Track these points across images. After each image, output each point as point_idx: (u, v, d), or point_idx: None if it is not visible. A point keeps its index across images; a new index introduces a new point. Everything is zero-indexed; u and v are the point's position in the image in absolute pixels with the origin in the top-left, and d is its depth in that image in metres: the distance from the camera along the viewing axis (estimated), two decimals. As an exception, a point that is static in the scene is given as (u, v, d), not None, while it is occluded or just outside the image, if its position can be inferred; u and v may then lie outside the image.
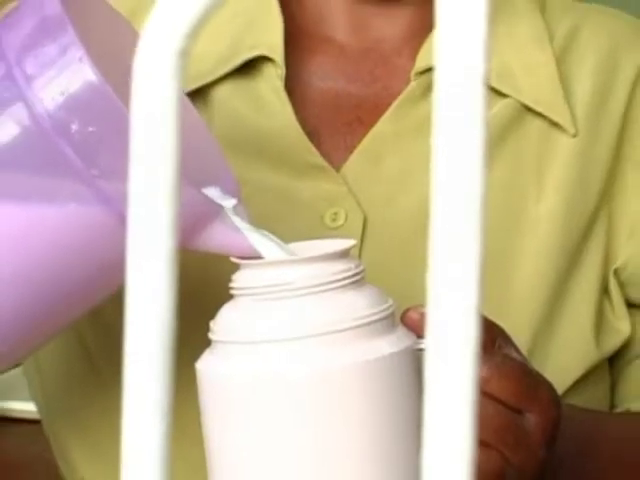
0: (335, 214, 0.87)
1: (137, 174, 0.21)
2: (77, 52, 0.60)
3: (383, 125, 0.91)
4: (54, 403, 0.96)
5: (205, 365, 0.67)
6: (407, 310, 0.69)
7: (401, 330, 0.68)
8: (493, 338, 0.70)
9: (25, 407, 1.62)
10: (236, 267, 0.68)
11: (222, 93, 0.90)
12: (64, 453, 0.95)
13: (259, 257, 0.67)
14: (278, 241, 0.68)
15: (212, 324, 0.68)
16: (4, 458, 1.67)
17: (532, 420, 0.70)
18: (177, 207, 0.21)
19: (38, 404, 0.98)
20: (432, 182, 0.21)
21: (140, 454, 0.22)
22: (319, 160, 0.89)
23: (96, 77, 0.60)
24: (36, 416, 1.03)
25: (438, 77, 0.21)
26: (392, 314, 0.68)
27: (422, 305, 0.68)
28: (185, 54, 0.21)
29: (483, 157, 0.20)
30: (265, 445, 0.66)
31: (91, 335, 0.89)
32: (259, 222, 0.69)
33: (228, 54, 0.91)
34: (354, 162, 0.90)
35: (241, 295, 0.67)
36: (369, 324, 0.66)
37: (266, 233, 0.68)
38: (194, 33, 0.21)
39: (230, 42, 0.91)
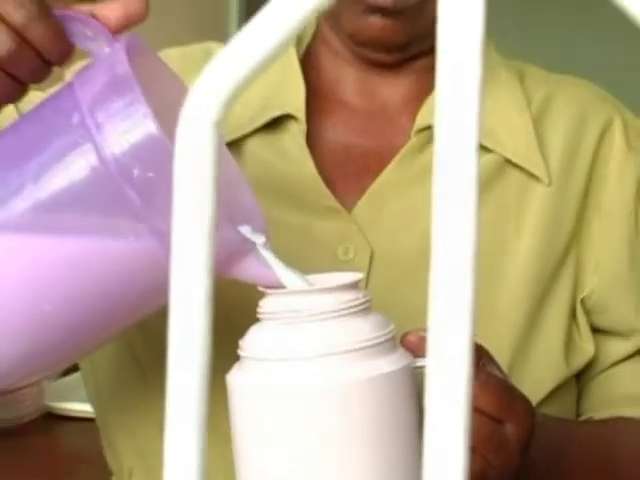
0: (347, 249, 0.88)
1: (181, 217, 0.22)
2: (141, 108, 0.61)
3: (387, 174, 0.92)
4: (106, 403, 0.96)
5: (234, 377, 0.67)
6: (406, 334, 0.70)
7: (400, 351, 0.68)
8: (479, 358, 0.70)
9: (81, 407, 1.62)
10: (263, 294, 0.68)
11: (253, 145, 0.91)
12: (113, 446, 0.96)
13: (282, 287, 0.67)
14: (298, 273, 0.68)
15: (241, 342, 0.68)
16: (64, 450, 1.68)
17: (510, 429, 0.70)
18: (214, 244, 0.22)
19: (92, 404, 0.99)
20: (432, 224, 0.21)
21: (180, 447, 0.23)
22: (333, 203, 0.90)
23: (156, 130, 0.61)
24: (89, 415, 1.03)
25: (437, 135, 0.21)
26: (393, 337, 0.68)
27: (419, 329, 0.69)
28: (220, 124, 0.21)
29: (475, 203, 0.21)
30: (281, 445, 0.66)
31: (141, 345, 0.89)
32: (282, 255, 0.69)
33: (258, 112, 0.92)
34: (363, 205, 0.90)
35: (266, 319, 0.67)
36: (373, 346, 0.66)
37: (288, 266, 0.68)
38: (227, 107, 0.21)
39: (260, 102, 0.92)
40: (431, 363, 0.21)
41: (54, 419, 1.72)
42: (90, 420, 1.06)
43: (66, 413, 1.71)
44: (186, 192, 0.21)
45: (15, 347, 0.68)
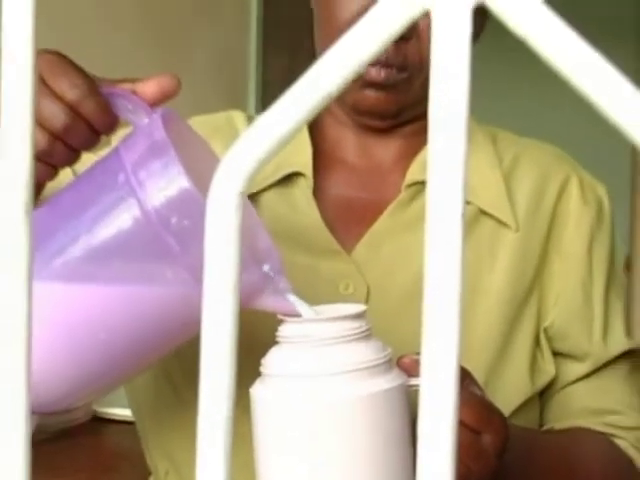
0: (347, 285, 0.88)
1: (212, 266, 0.22)
2: (176, 167, 0.61)
3: (382, 222, 0.92)
4: (145, 419, 0.95)
5: (256, 391, 0.68)
6: (401, 357, 0.70)
7: (396, 371, 0.68)
8: (462, 378, 0.70)
9: (124, 412, 1.63)
10: (281, 321, 0.68)
11: (268, 197, 0.92)
12: (150, 453, 0.95)
13: (297, 315, 0.67)
14: (308, 305, 0.68)
15: (262, 361, 0.68)
16: (109, 449, 1.68)
17: (488, 439, 0.70)
18: (239, 284, 0.23)
19: (133, 412, 0.98)
20: (425, 265, 0.21)
21: (210, 454, 0.23)
22: (336, 247, 0.90)
23: (189, 185, 0.61)
24: (132, 419, 1.03)
25: (429, 190, 0.21)
26: (390, 360, 0.68)
27: (412, 353, 0.69)
28: (244, 194, 0.22)
29: (461, 245, 0.21)
30: (293, 451, 0.67)
31: (177, 370, 0.89)
32: (294, 289, 0.69)
33: (273, 170, 0.92)
34: (361, 248, 0.90)
35: (284, 342, 0.68)
36: (373, 367, 0.66)
37: (299, 298, 0.68)
38: (250, 179, 0.22)
39: (274, 162, 0.92)
40: (424, 382, 0.22)
41: (101, 422, 1.73)
42: (132, 423, 1.05)
43: (111, 417, 1.72)
44: (216, 246, 0.22)
45: (72, 376, 0.68)
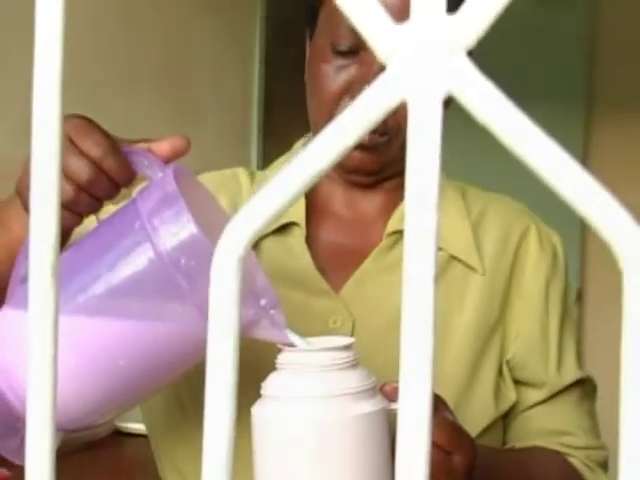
0: (335, 320, 0.89)
1: (216, 307, 0.23)
2: (185, 216, 0.62)
3: (366, 266, 0.92)
4: (158, 436, 0.95)
5: (256, 411, 0.67)
6: (383, 384, 0.70)
7: (379, 397, 0.68)
8: (435, 404, 0.70)
9: (142, 427, 1.62)
10: (279, 350, 0.68)
11: (267, 243, 0.91)
12: (162, 465, 0.95)
13: (292, 345, 0.67)
14: (301, 336, 0.68)
15: (263, 384, 0.68)
16: (128, 460, 1.67)
17: (458, 459, 0.69)
18: (240, 318, 0.23)
19: (147, 430, 0.98)
20: (403, 302, 0.22)
21: (214, 467, 0.24)
22: (326, 287, 0.90)
23: (197, 231, 0.62)
24: (146, 433, 1.02)
25: (406, 238, 0.22)
26: (374, 386, 0.68)
27: (393, 381, 0.69)
28: (244, 258, 0.23)
29: (433, 284, 0.21)
30: (289, 464, 0.66)
31: (186, 393, 0.88)
32: (290, 323, 0.69)
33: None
34: (348, 288, 0.90)
35: (282, 368, 0.68)
36: (359, 392, 0.66)
37: (293, 330, 0.68)
38: (249, 245, 0.23)
39: None
40: (401, 407, 0.22)
41: (121, 435, 1.72)
42: (146, 437, 1.05)
43: (130, 431, 1.71)
44: (219, 295, 0.23)
45: (94, 397, 0.68)
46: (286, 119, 3.13)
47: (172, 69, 2.50)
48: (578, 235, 2.90)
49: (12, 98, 2.05)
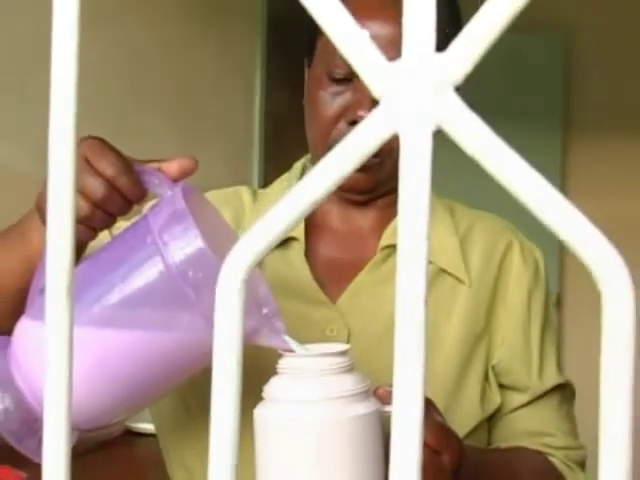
0: (332, 329, 0.88)
1: (221, 320, 0.23)
2: (193, 231, 0.62)
3: (360, 278, 0.92)
4: (166, 436, 0.95)
5: (258, 412, 0.67)
6: (377, 388, 0.69)
7: (372, 399, 0.68)
8: (426, 407, 0.70)
9: (150, 427, 1.63)
10: (280, 356, 0.68)
11: (269, 257, 0.91)
12: (170, 461, 0.95)
13: (291, 351, 0.67)
14: (300, 343, 0.68)
15: (264, 388, 0.68)
16: (139, 458, 1.67)
17: (446, 458, 0.69)
18: (243, 326, 0.25)
19: (156, 431, 0.98)
20: (397, 310, 0.22)
21: (221, 465, 0.25)
22: (323, 298, 0.90)
23: (203, 246, 0.61)
24: (155, 432, 1.02)
25: (399, 257, 0.22)
26: (368, 389, 0.68)
27: (386, 384, 0.69)
28: (246, 281, 0.23)
29: (424, 296, 0.22)
30: (289, 462, 0.66)
31: (190, 396, 0.89)
32: (289, 330, 0.69)
33: None
34: (344, 299, 0.90)
35: (283, 372, 0.67)
36: (354, 395, 0.66)
37: (293, 337, 0.68)
38: (250, 270, 0.23)
39: None
40: (395, 410, 0.22)
41: (132, 435, 1.72)
42: (149, 436, 1.04)
43: (141, 430, 1.71)
44: (224, 313, 0.23)
45: (106, 400, 0.67)
46: (285, 141, 3.19)
47: (178, 96, 2.53)
48: (557, 244, 2.91)
49: (33, 121, 2.05)
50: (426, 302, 0.22)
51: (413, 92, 0.22)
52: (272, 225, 0.23)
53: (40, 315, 0.67)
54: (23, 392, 0.64)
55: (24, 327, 0.67)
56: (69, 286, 0.23)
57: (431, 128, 0.22)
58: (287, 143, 3.21)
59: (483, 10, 0.21)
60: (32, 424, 0.64)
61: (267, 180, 3.00)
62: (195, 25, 2.60)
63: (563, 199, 0.21)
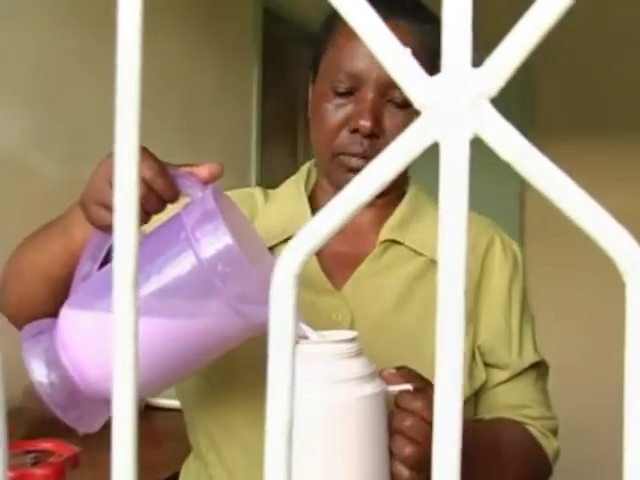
0: (337, 315, 0.88)
1: (277, 315, 0.23)
2: (223, 229, 0.61)
3: (362, 269, 0.91)
4: (191, 409, 0.94)
5: None
6: (381, 370, 0.69)
7: (378, 381, 0.68)
8: (424, 386, 0.70)
9: (169, 402, 1.62)
10: (297, 342, 0.68)
11: (279, 249, 0.90)
12: (194, 433, 0.94)
13: (307, 338, 0.67)
14: (314, 330, 0.68)
15: None
16: (158, 430, 1.66)
17: None
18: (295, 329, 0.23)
19: (182, 405, 0.96)
20: (439, 301, 0.22)
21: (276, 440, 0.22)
22: (329, 287, 0.89)
23: (232, 242, 0.61)
24: (176, 407, 1.01)
25: (441, 252, 0.21)
26: (374, 372, 0.68)
27: (389, 367, 0.69)
28: (299, 275, 0.23)
29: (464, 288, 0.22)
30: (307, 440, 0.65)
31: (214, 375, 0.88)
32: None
33: (284, 230, 0.92)
34: (347, 287, 0.90)
35: (299, 357, 0.67)
36: (362, 377, 0.66)
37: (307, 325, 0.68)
38: (303, 264, 0.22)
39: (285, 224, 0.92)
40: (438, 387, 0.23)
41: (152, 409, 1.71)
42: (176, 410, 1.03)
43: (159, 405, 1.70)
44: (279, 305, 0.23)
45: (144, 379, 0.67)
46: (277, 152, 3.24)
47: (184, 110, 2.55)
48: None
49: (60, 132, 2.04)
50: (466, 294, 0.21)
51: (452, 104, 0.21)
52: (321, 224, 0.22)
53: (79, 304, 0.67)
54: (68, 369, 0.64)
55: (69, 313, 0.67)
56: (134, 279, 0.23)
57: (469, 136, 0.21)
58: (278, 156, 3.28)
59: (515, 30, 0.21)
60: (74, 397, 0.64)
61: (263, 177, 3.06)
62: (197, 49, 2.61)
63: (590, 199, 0.21)
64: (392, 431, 0.68)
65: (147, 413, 1.70)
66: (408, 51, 0.22)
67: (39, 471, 0.91)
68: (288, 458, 0.23)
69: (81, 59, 2.12)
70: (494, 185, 3.09)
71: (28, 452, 0.95)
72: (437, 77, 0.22)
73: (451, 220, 0.21)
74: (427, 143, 0.22)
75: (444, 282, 0.21)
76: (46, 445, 0.97)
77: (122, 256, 0.23)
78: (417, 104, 0.22)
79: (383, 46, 0.22)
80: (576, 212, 0.21)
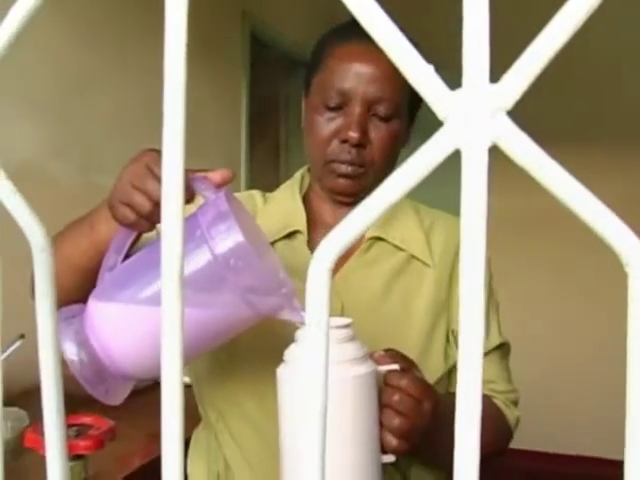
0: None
1: (312, 304, 0.22)
2: (235, 228, 0.60)
3: (350, 263, 0.90)
4: (202, 384, 0.93)
5: (280, 371, 0.66)
6: (372, 352, 0.69)
7: (369, 362, 0.67)
8: (409, 366, 0.70)
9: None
10: (297, 327, 0.67)
11: (279, 245, 0.90)
12: (204, 404, 0.92)
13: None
14: None
15: (285, 352, 0.67)
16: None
17: (426, 404, 0.69)
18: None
19: (193, 380, 0.95)
20: (461, 295, 0.21)
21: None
22: None
23: (244, 240, 0.60)
24: (187, 383, 1.00)
25: (463, 252, 0.20)
26: (366, 354, 0.67)
27: (379, 350, 0.69)
28: (331, 269, 0.22)
29: (484, 283, 0.20)
30: (301, 415, 0.65)
31: (222, 354, 0.86)
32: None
33: (282, 228, 0.91)
34: (337, 279, 0.89)
35: (299, 341, 0.67)
36: (356, 359, 0.65)
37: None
38: (335, 259, 0.22)
39: (283, 222, 0.91)
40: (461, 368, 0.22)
41: (159, 385, 1.69)
42: (186, 386, 1.02)
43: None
44: (314, 295, 0.23)
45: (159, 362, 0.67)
46: (265, 162, 3.25)
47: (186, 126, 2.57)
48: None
49: (75, 141, 2.02)
50: (489, 282, 0.21)
51: (472, 116, 0.21)
52: (353, 223, 0.22)
53: (107, 292, 0.66)
54: (96, 349, 0.63)
55: (96, 301, 0.66)
56: (179, 294, 0.23)
57: (487, 145, 0.21)
58: (266, 165, 3.32)
59: (532, 47, 0.20)
60: (101, 374, 0.63)
61: (253, 177, 3.09)
62: (194, 72, 2.61)
63: (597, 201, 0.20)
64: (382, 405, 0.67)
65: (156, 388, 1.68)
66: (431, 67, 0.21)
67: (82, 442, 0.90)
68: (323, 436, 0.22)
69: (95, 76, 2.09)
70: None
71: (70, 426, 0.94)
72: (458, 91, 0.21)
73: (472, 219, 0.21)
74: (449, 151, 0.21)
75: (466, 281, 0.20)
76: (86, 419, 0.96)
77: (169, 254, 0.23)
78: (440, 116, 0.21)
79: (407, 62, 0.21)
80: (587, 214, 0.20)
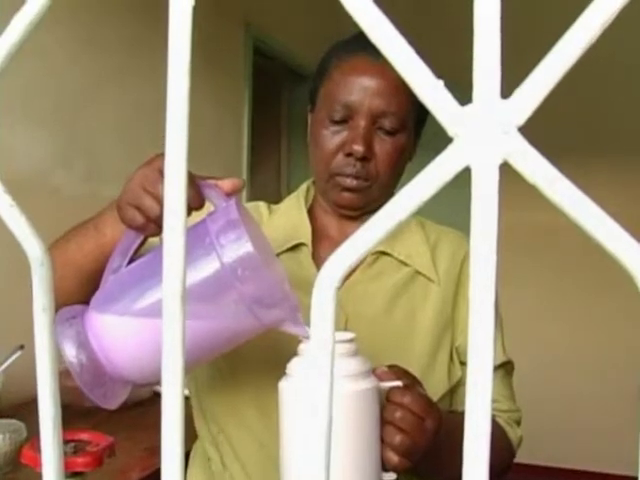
0: None
1: (318, 322, 0.21)
2: (244, 237, 0.60)
3: (355, 276, 0.90)
4: (202, 396, 0.92)
5: (282, 384, 0.66)
6: (375, 368, 0.68)
7: (372, 377, 0.67)
8: (413, 383, 0.69)
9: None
10: (300, 341, 0.67)
11: (284, 257, 0.89)
12: (206, 418, 0.91)
13: (309, 338, 0.66)
14: None
15: (288, 365, 0.67)
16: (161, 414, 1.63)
17: (429, 422, 0.68)
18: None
19: (193, 391, 0.94)
20: (470, 309, 0.21)
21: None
22: None
23: (252, 250, 0.60)
24: (184, 394, 0.99)
25: (473, 264, 0.20)
26: (369, 370, 0.67)
27: (382, 366, 0.69)
28: (338, 287, 0.21)
29: (493, 297, 0.20)
30: (303, 427, 0.64)
31: (223, 365, 0.86)
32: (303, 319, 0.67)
33: (287, 240, 0.91)
34: (342, 292, 0.88)
35: (301, 355, 0.67)
36: (359, 374, 0.65)
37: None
38: (343, 278, 0.21)
39: (288, 235, 0.91)
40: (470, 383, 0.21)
41: (158, 397, 1.68)
42: (184, 398, 1.00)
43: (165, 393, 1.67)
44: (320, 313, 0.22)
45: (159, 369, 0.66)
46: (266, 173, 3.26)
47: (190, 135, 2.58)
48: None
49: (80, 152, 2.02)
50: (495, 300, 0.20)
51: (483, 132, 0.20)
52: (359, 241, 0.21)
53: (109, 297, 0.65)
54: (96, 352, 0.63)
55: (98, 304, 0.65)
56: (182, 307, 0.22)
57: (498, 162, 0.20)
58: (268, 176, 3.32)
59: (545, 61, 0.20)
60: (100, 378, 0.63)
61: (254, 188, 3.09)
62: (197, 85, 2.64)
63: (609, 219, 0.20)
64: (384, 422, 0.66)
65: (154, 400, 1.67)
66: (441, 83, 0.21)
67: (80, 459, 0.89)
68: (328, 452, 0.22)
69: (98, 87, 2.10)
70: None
71: (67, 442, 0.93)
72: (469, 107, 0.20)
73: (481, 236, 0.20)
74: (459, 168, 0.21)
75: (476, 296, 0.20)
76: (83, 435, 0.95)
77: (170, 268, 0.22)
78: (450, 132, 0.21)
79: (417, 78, 0.21)
80: (597, 230, 0.20)
